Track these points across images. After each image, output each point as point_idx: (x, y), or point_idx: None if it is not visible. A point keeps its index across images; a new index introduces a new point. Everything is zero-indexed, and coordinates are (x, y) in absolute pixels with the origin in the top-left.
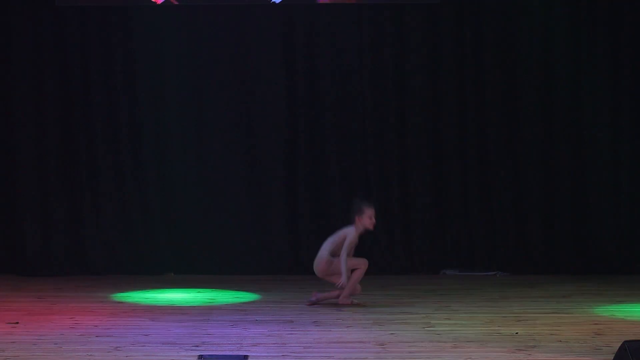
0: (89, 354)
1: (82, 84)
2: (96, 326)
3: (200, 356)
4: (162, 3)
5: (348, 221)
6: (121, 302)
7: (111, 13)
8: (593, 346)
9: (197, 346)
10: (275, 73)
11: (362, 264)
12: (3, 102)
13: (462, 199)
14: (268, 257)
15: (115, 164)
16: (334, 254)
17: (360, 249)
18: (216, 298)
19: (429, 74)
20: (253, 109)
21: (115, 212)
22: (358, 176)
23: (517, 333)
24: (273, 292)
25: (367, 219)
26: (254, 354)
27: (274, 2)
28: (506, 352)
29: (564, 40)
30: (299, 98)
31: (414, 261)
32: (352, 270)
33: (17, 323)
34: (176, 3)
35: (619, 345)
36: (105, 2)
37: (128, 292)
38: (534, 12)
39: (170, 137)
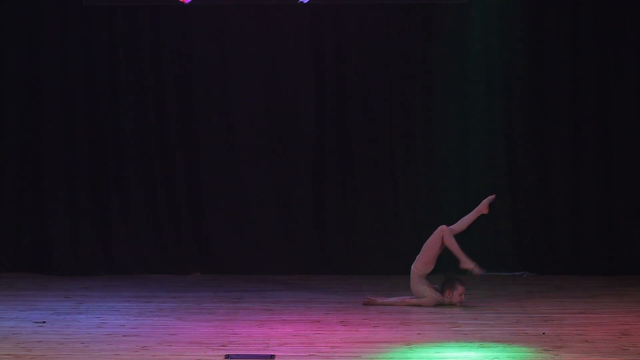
0: (116, 353)
1: (109, 83)
2: (123, 326)
3: (227, 356)
4: (189, 2)
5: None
6: (148, 302)
7: (138, 13)
8: (620, 347)
9: (223, 346)
10: (303, 73)
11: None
12: (31, 101)
13: None
14: (295, 256)
15: (142, 164)
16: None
17: (387, 250)
18: (243, 297)
19: (457, 74)
20: (281, 109)
21: (143, 212)
22: (385, 177)
23: (544, 333)
24: (300, 292)
25: (457, 295)
26: (280, 354)
27: (301, 2)
28: (533, 352)
29: (591, 41)
30: (326, 98)
31: (441, 262)
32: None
33: (44, 322)
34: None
35: None
36: (132, 1)
37: (155, 292)
38: (560, 11)
39: (198, 137)
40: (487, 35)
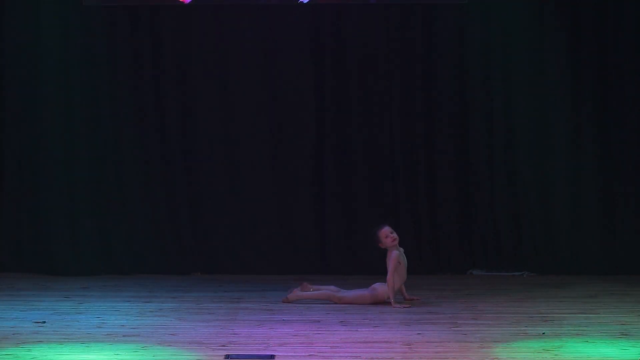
0: (116, 353)
1: (109, 83)
2: (123, 326)
3: (227, 356)
4: (189, 3)
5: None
6: (148, 302)
7: (138, 13)
8: (620, 347)
9: (223, 346)
10: (302, 73)
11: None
12: (31, 101)
13: (489, 199)
14: (295, 256)
15: (142, 164)
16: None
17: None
18: (243, 298)
19: (456, 73)
20: (280, 110)
21: (142, 212)
22: (385, 177)
23: (543, 333)
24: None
25: (385, 239)
26: (280, 354)
27: (301, 2)
28: (533, 352)
29: (591, 40)
30: (326, 98)
31: (440, 261)
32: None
33: (44, 322)
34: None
35: None
36: (132, 1)
37: (155, 292)
38: (561, 10)
39: (198, 137)
40: (487, 35)
